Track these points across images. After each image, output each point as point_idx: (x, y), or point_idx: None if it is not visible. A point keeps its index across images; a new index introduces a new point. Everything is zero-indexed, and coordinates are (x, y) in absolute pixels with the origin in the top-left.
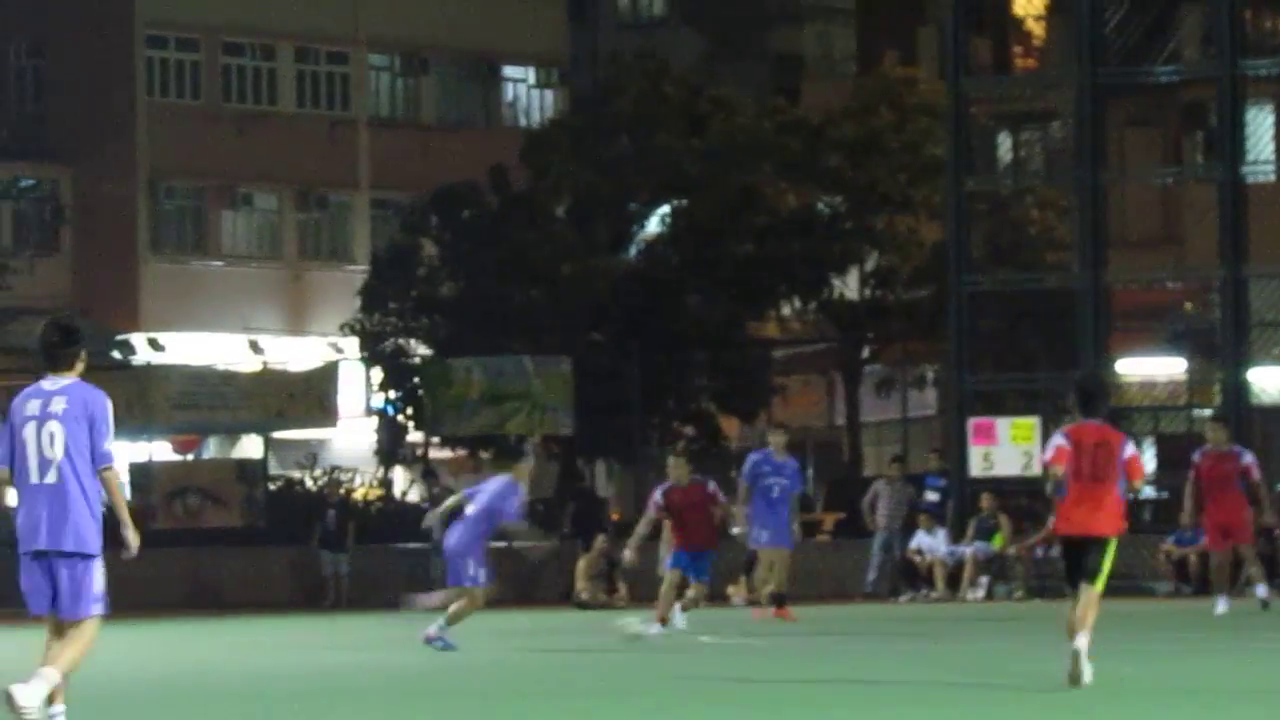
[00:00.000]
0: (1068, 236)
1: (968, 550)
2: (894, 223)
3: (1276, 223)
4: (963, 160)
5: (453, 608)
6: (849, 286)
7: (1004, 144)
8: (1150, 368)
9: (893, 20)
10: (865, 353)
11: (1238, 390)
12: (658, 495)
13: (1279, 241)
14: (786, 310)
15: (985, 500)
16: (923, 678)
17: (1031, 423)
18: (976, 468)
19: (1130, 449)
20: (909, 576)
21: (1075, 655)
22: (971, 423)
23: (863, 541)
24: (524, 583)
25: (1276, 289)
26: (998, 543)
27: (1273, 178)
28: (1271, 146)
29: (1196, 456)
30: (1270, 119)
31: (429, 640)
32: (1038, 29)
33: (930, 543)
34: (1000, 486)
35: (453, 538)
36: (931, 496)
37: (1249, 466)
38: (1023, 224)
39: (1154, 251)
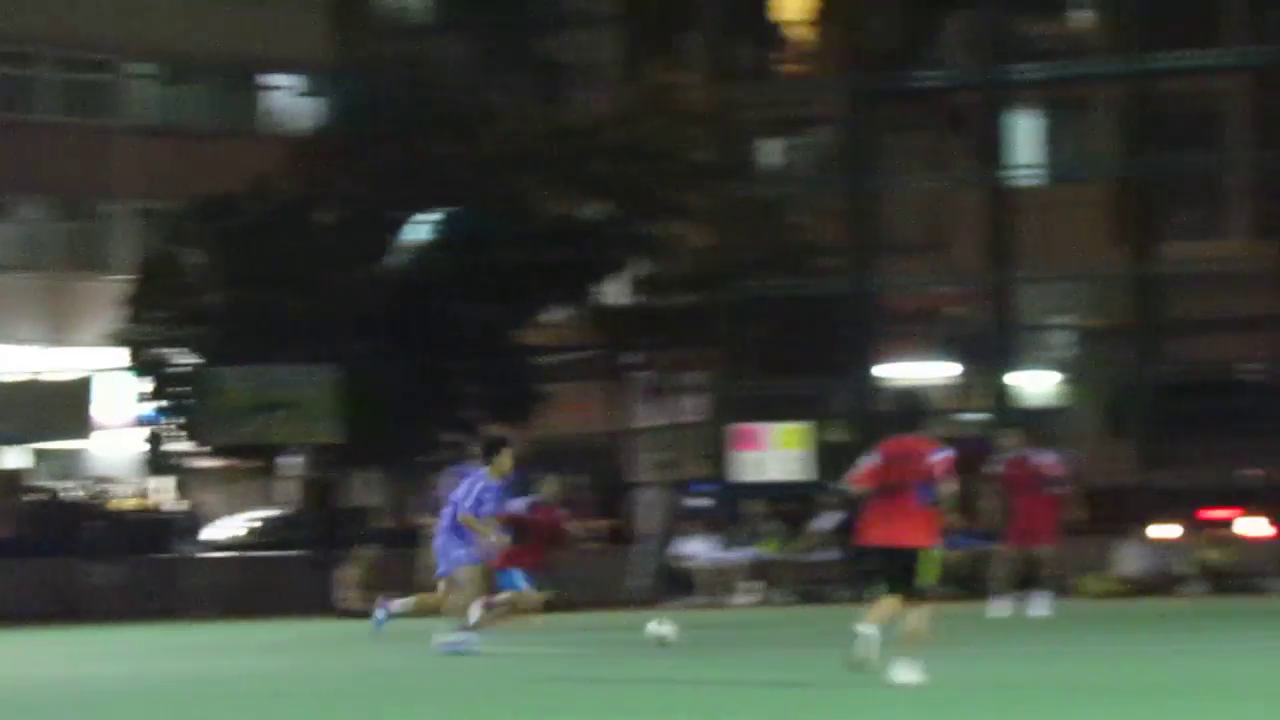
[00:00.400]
0: (835, 242)
1: (737, 555)
2: (662, 229)
3: (1043, 227)
4: (730, 166)
5: (447, 601)
6: (617, 293)
7: (772, 149)
8: (920, 372)
9: (659, 27)
10: (634, 359)
11: (1006, 393)
12: (523, 506)
13: (1046, 245)
14: (554, 317)
15: (755, 506)
16: (690, 683)
17: (801, 428)
18: (746, 473)
19: (938, 455)
20: (676, 582)
21: (865, 638)
22: (740, 429)
23: (629, 547)
24: (278, 593)
25: (1043, 292)
26: (768, 548)
27: (1039, 182)
28: (1037, 151)
29: (999, 464)
30: (1036, 124)
31: (453, 646)
32: (805, 35)
33: (697, 548)
34: (770, 491)
35: (440, 538)
36: (700, 502)
37: (1050, 466)
38: (791, 230)
39: (922, 257)
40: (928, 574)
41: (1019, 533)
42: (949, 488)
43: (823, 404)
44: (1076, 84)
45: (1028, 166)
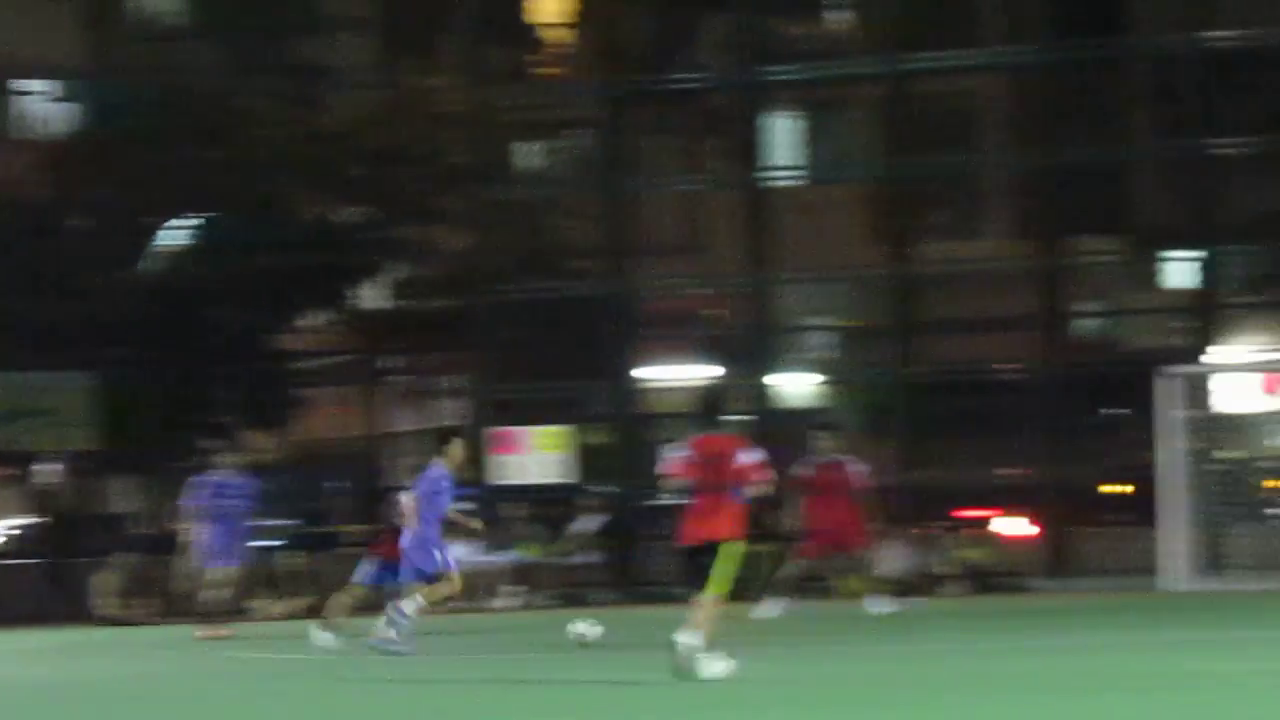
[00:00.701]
0: (593, 244)
1: (497, 559)
2: (420, 232)
3: (801, 228)
4: (488, 169)
5: (433, 595)
6: (375, 297)
7: (529, 152)
8: (677, 374)
9: (415, 30)
10: (392, 363)
11: (763, 395)
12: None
13: (804, 246)
14: (312, 322)
15: (516, 509)
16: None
17: (560, 431)
18: (506, 477)
19: (747, 456)
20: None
21: (674, 646)
22: (499, 432)
23: None
24: (30, 600)
25: (802, 293)
26: (529, 551)
27: (797, 183)
28: (795, 152)
29: (807, 466)
30: (793, 125)
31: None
32: (562, 37)
33: (459, 552)
34: (530, 495)
35: (405, 537)
36: (460, 506)
37: (860, 473)
38: (549, 232)
39: (680, 258)
40: (727, 567)
41: (826, 538)
42: (761, 488)
43: (582, 407)
44: (833, 85)
45: (786, 168)
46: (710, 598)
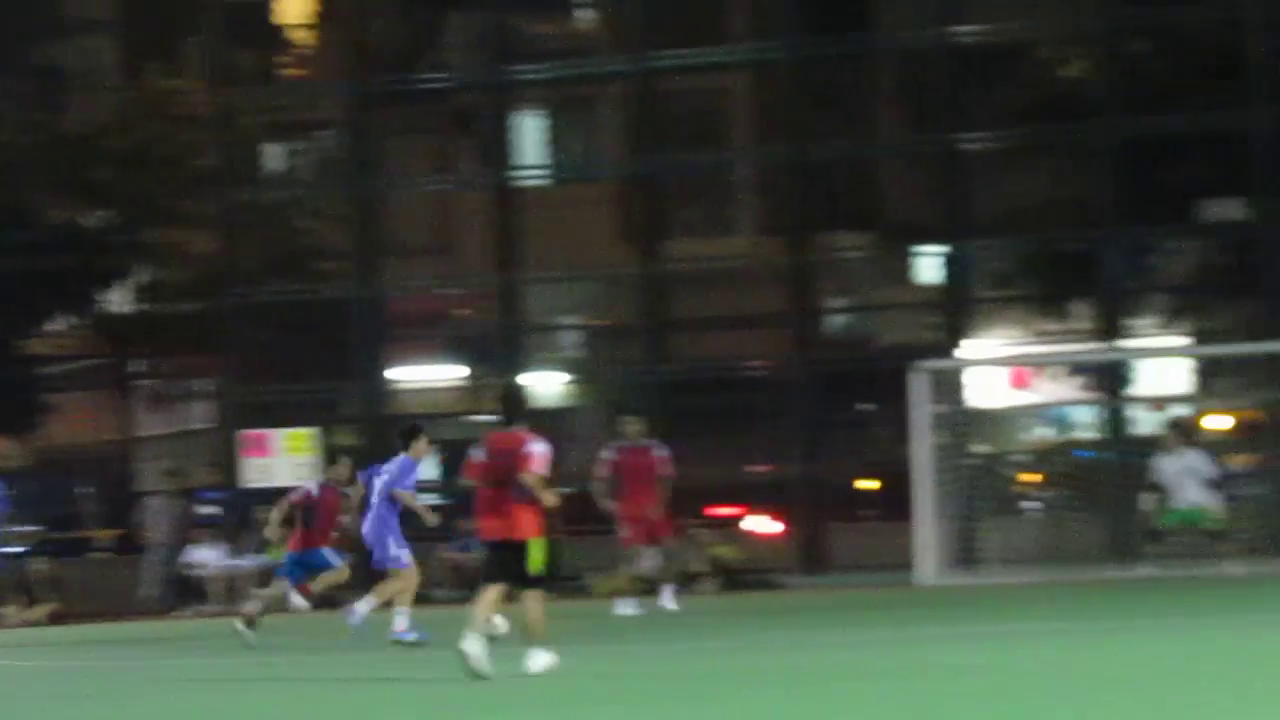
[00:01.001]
0: (342, 246)
1: (247, 562)
2: (166, 235)
3: (550, 227)
4: (232, 171)
5: (383, 591)
6: (121, 301)
7: (276, 154)
8: (429, 375)
9: (158, 31)
10: (140, 367)
11: (516, 394)
12: (314, 489)
13: (553, 245)
14: (58, 326)
15: (265, 512)
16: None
17: (309, 433)
18: (256, 480)
19: (531, 448)
20: (187, 590)
21: (463, 653)
22: (245, 435)
23: (140, 556)
24: None
25: (551, 293)
26: (277, 554)
27: (545, 182)
28: (543, 151)
29: (612, 451)
30: (541, 124)
31: (404, 637)
32: (307, 38)
33: (207, 556)
34: (280, 497)
35: (366, 526)
36: (208, 510)
37: (662, 460)
38: (297, 234)
39: (429, 259)
40: (537, 562)
41: (635, 523)
42: (535, 476)
43: (332, 409)
44: (581, 83)
45: (534, 167)
46: (532, 594)
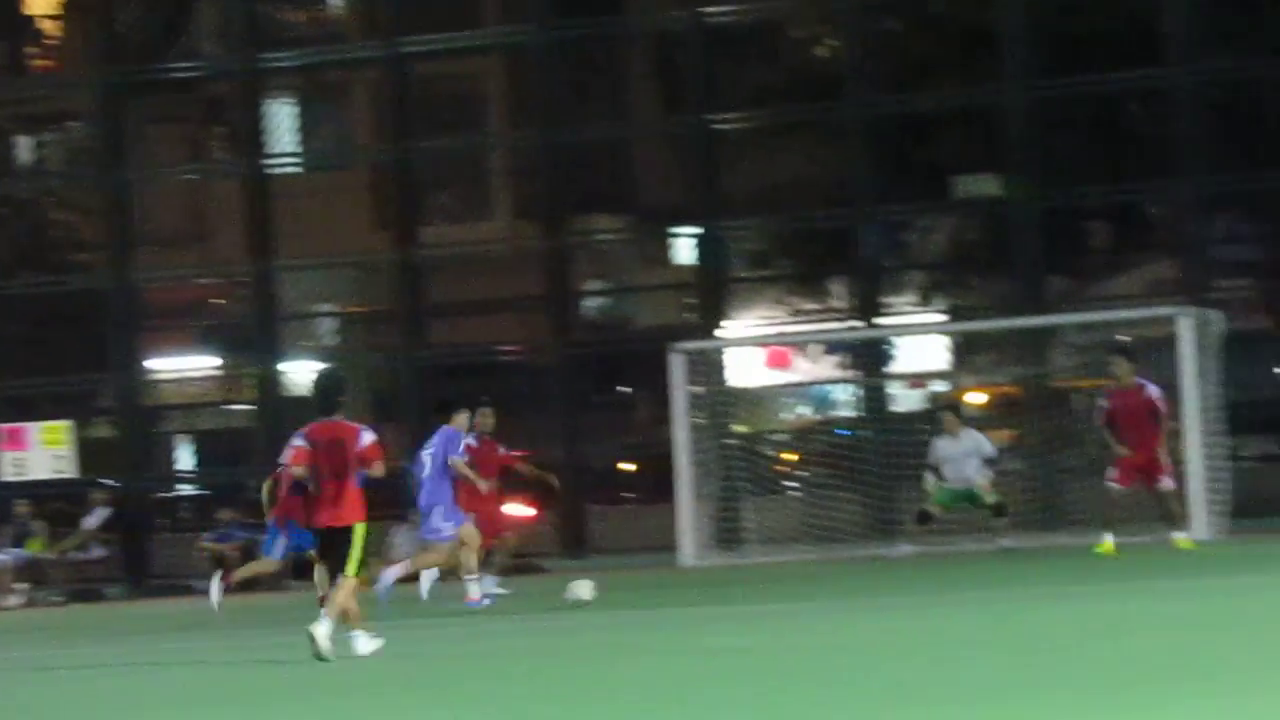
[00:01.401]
0: (96, 237)
1: (4, 557)
2: None
3: (305, 215)
4: None
5: (419, 562)
6: None
7: (26, 146)
8: (185, 365)
9: None
10: None
11: (272, 383)
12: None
13: (308, 233)
14: None
15: (20, 506)
16: None
17: (63, 426)
18: (10, 473)
19: (365, 439)
20: None
21: (310, 635)
22: (1, 428)
23: None
24: None
25: (307, 280)
26: (35, 548)
27: (299, 170)
28: (296, 139)
29: (470, 442)
30: (294, 111)
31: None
32: (55, 29)
33: None
34: (34, 491)
35: (421, 498)
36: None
37: (506, 454)
38: (49, 226)
39: (183, 249)
40: (357, 549)
41: (485, 515)
42: (379, 470)
43: (89, 401)
44: (333, 70)
45: (287, 155)
46: (349, 580)
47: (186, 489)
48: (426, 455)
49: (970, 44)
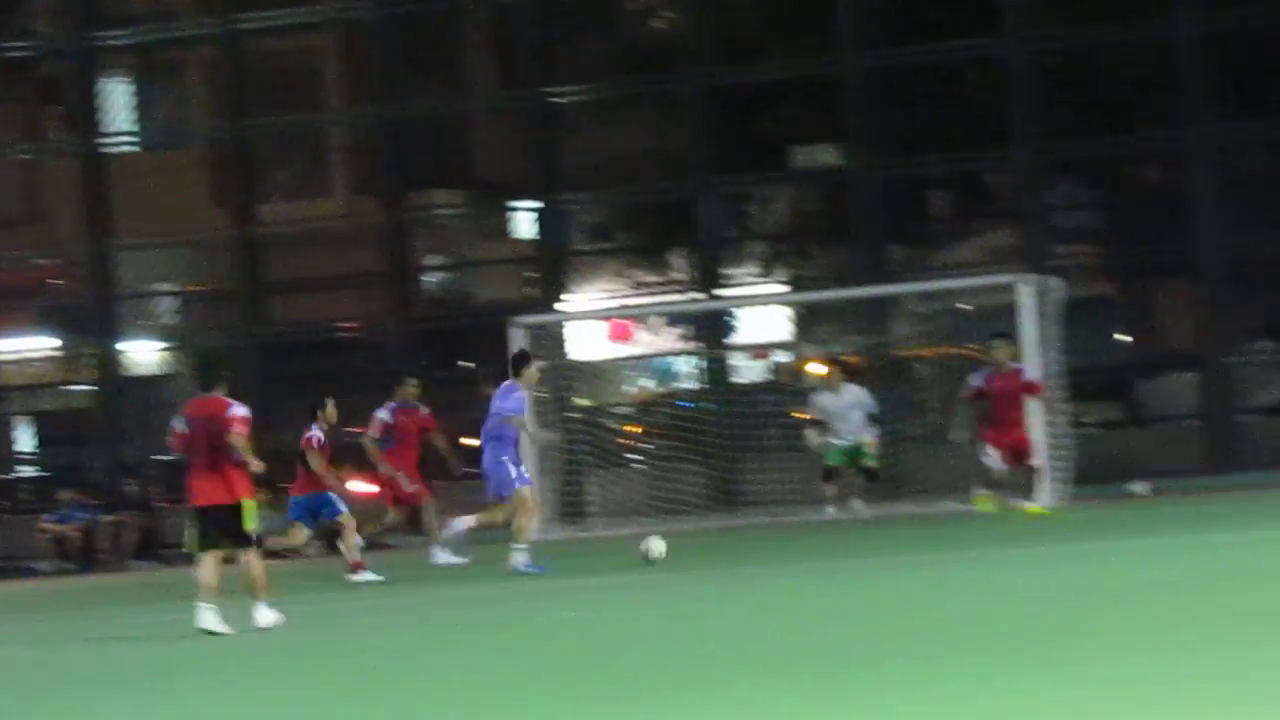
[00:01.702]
0: None
1: None
2: None
3: (139, 194)
4: None
5: (512, 523)
6: None
7: None
8: (24, 346)
9: None
10: None
11: (112, 364)
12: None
13: (144, 213)
14: None
15: None
16: None
17: None
18: None
19: (233, 412)
20: None
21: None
22: None
23: None
24: None
25: (145, 260)
26: None
27: (133, 149)
28: (133, 117)
29: (390, 413)
30: (126, 90)
31: (522, 569)
32: None
33: None
34: None
35: (485, 456)
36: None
37: (426, 417)
38: None
39: (20, 229)
40: (250, 522)
41: (384, 486)
42: (242, 439)
43: None
44: (169, 48)
45: (124, 134)
46: (251, 553)
47: (26, 470)
48: (492, 414)
49: (808, 14)
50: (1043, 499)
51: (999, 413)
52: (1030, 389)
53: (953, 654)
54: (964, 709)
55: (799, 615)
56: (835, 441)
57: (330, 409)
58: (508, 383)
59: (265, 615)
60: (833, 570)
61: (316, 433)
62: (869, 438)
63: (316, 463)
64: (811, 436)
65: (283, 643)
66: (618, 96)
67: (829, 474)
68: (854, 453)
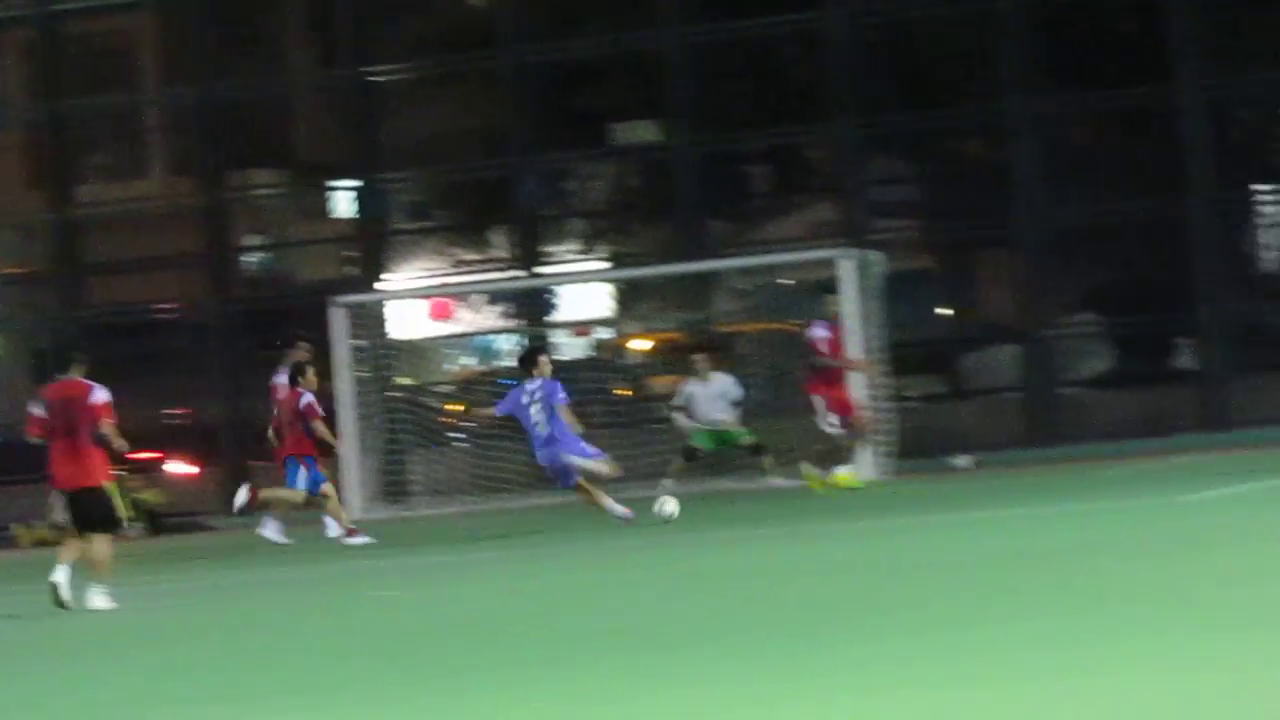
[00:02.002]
0: None
1: None
2: None
3: None
4: None
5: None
6: None
7: None
8: None
9: None
10: None
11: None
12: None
13: None
14: None
15: None
16: None
17: None
18: None
19: (96, 397)
20: None
21: (53, 586)
22: None
23: None
24: None
25: None
26: None
27: None
28: None
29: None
30: None
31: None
32: None
33: None
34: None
35: (545, 452)
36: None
37: (309, 405)
38: None
39: None
40: (113, 505)
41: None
42: (110, 425)
43: None
44: None
45: None
46: (101, 538)
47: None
48: (532, 407)
49: None
50: (861, 470)
51: (834, 368)
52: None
53: (777, 631)
54: (789, 686)
55: (615, 591)
56: (700, 426)
57: (311, 376)
58: (543, 380)
59: (99, 599)
60: (654, 547)
61: (310, 398)
62: (727, 417)
63: (324, 431)
64: (680, 419)
65: (112, 627)
66: (436, 75)
67: (690, 453)
68: (724, 437)
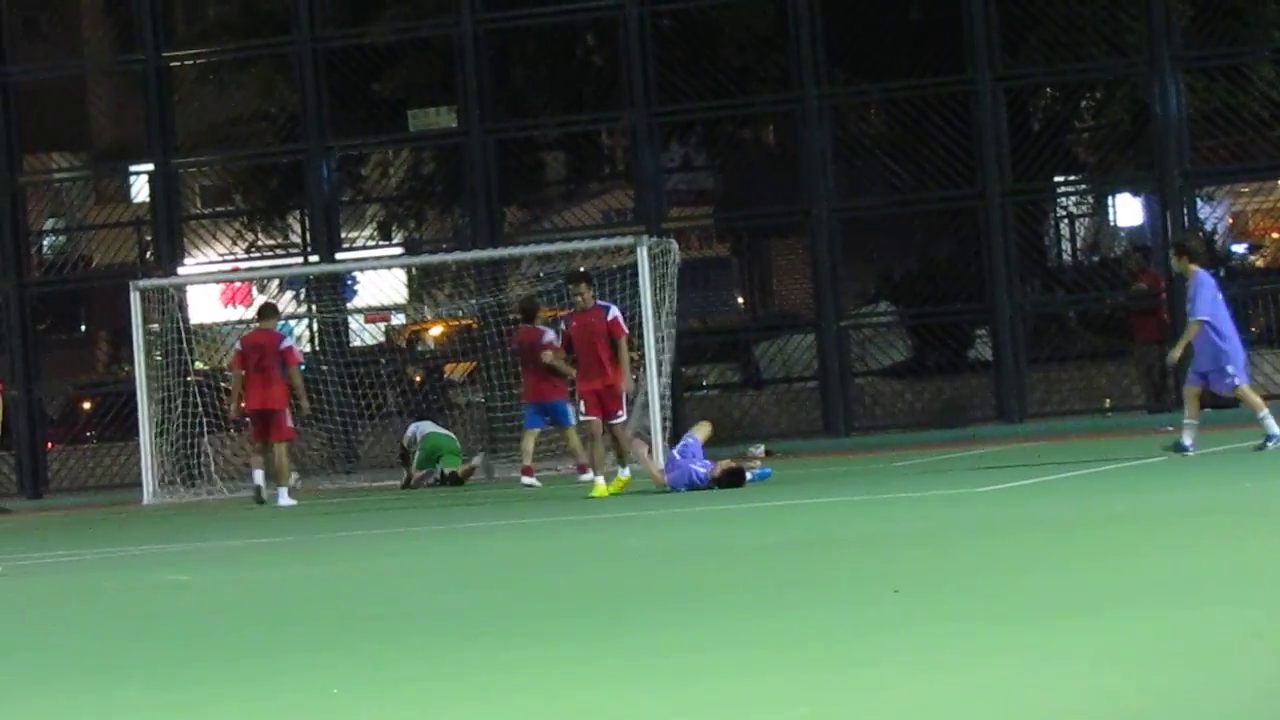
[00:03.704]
0: None
1: None
2: None
3: None
4: None
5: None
6: None
7: None
8: None
9: None
10: None
11: None
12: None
13: None
14: None
15: None
16: None
17: None
18: None
19: None
20: None
21: None
22: None
23: None
24: None
25: None
26: None
27: None
28: None
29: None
30: None
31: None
32: None
33: None
34: None
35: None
36: None
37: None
38: None
39: None
40: None
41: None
42: None
43: None
44: None
45: None
46: None
47: None
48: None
49: None
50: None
51: (583, 357)
52: (614, 329)
53: (563, 616)
54: (563, 672)
55: (407, 577)
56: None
57: None
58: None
59: None
60: (453, 534)
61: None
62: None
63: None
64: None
65: None
66: (233, 59)
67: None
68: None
